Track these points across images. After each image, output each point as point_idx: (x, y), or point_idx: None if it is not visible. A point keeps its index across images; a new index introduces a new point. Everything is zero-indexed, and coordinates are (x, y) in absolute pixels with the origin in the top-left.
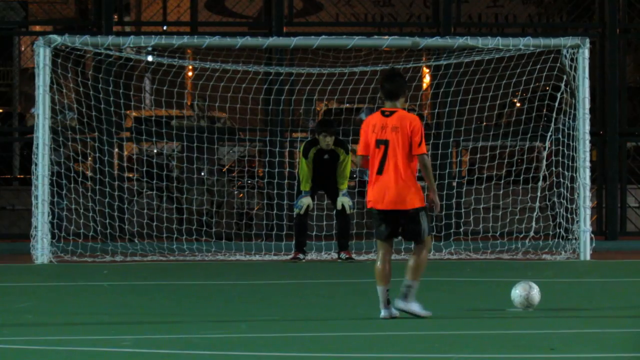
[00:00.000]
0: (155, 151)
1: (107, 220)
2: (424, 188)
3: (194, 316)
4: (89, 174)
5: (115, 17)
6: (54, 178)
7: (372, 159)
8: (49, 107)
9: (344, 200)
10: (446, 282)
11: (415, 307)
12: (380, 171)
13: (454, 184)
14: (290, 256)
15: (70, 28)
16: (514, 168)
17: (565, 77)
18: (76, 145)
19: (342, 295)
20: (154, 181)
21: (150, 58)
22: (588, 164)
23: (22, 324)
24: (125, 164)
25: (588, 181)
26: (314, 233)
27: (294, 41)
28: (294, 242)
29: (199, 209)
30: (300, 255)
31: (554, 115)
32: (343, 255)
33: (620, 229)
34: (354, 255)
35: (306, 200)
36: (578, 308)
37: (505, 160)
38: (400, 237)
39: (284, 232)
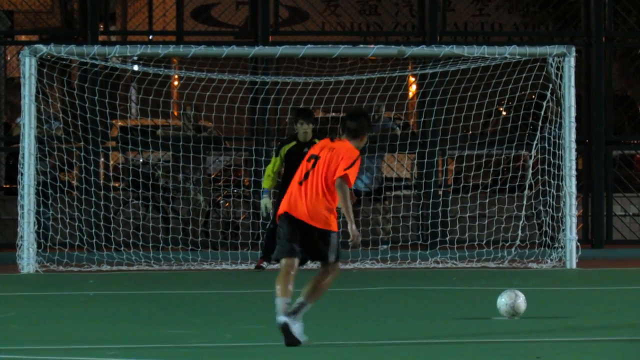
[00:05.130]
0: (141, 161)
1: (93, 230)
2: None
3: (179, 325)
4: (75, 183)
5: (101, 26)
6: (40, 187)
7: (300, 169)
8: (34, 117)
9: None
10: (432, 290)
11: (298, 327)
12: (301, 182)
13: (440, 192)
14: (254, 265)
15: (56, 38)
16: (499, 176)
17: (551, 85)
18: (62, 155)
19: (328, 304)
20: (140, 190)
21: (136, 67)
22: (574, 172)
23: (7, 334)
24: (111, 174)
25: (574, 189)
26: None
27: (279, 50)
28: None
29: (184, 218)
30: (265, 264)
31: (540, 123)
32: None
33: (606, 237)
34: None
35: (264, 203)
36: (564, 316)
37: (491, 169)
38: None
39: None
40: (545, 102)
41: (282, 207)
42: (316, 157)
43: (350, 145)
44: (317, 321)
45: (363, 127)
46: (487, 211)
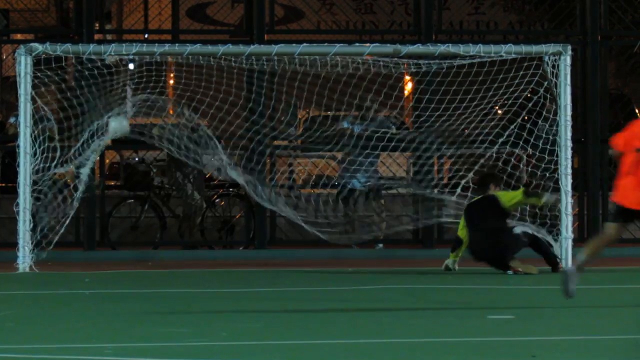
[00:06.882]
0: (136, 159)
1: (89, 229)
2: None
3: (175, 324)
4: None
5: (97, 25)
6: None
7: (631, 164)
8: (30, 116)
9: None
10: (428, 289)
11: (572, 284)
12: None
13: (436, 191)
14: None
15: (52, 36)
16: None
17: (546, 84)
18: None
19: (325, 303)
20: (136, 189)
21: (131, 66)
22: (570, 170)
23: (3, 332)
24: (106, 172)
25: (569, 188)
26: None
27: (275, 49)
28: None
29: (180, 216)
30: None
31: (536, 122)
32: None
33: None
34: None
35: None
36: (559, 315)
37: (487, 167)
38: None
39: (266, 240)
40: (541, 100)
41: (617, 198)
42: None
43: None
44: (315, 320)
45: None
46: None
